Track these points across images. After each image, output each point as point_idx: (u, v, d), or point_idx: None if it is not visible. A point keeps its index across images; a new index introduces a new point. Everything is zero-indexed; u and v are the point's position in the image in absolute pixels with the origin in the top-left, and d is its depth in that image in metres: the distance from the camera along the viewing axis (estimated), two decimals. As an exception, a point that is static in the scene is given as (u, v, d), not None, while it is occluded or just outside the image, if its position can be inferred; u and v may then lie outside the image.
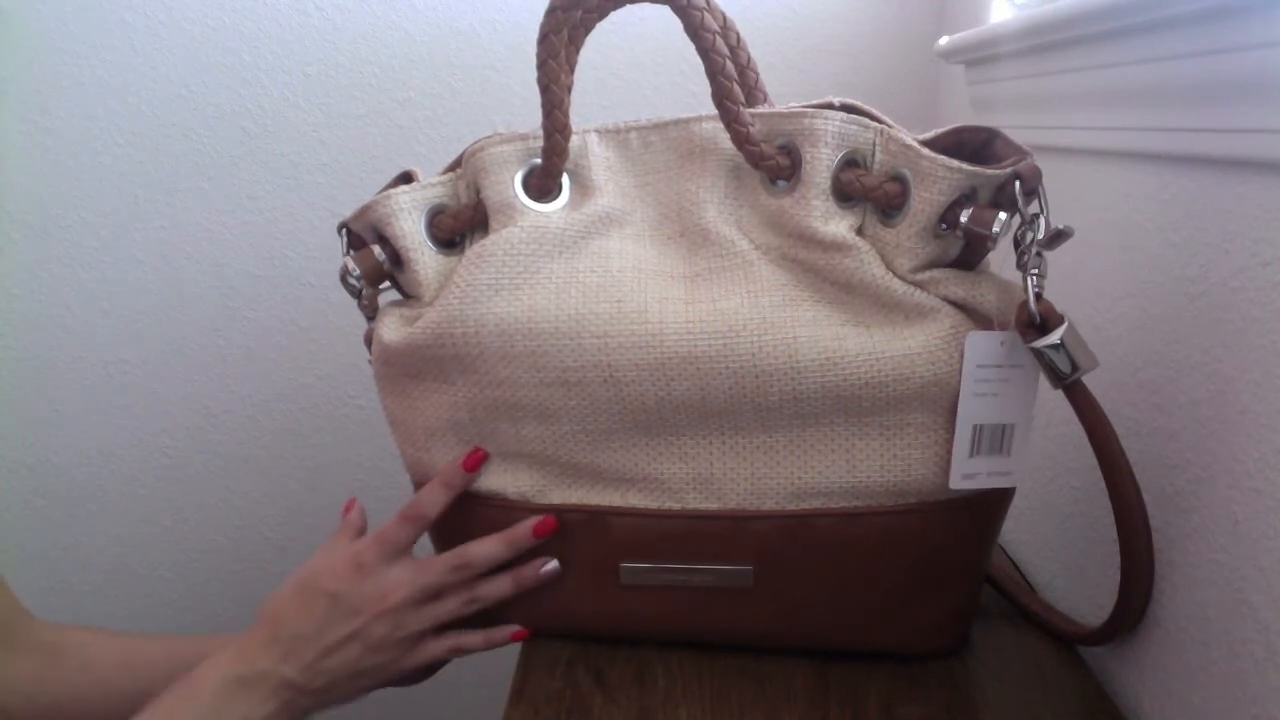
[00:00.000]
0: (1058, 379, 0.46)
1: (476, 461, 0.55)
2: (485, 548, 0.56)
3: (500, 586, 0.57)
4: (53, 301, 1.00)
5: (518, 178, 0.52)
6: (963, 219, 0.46)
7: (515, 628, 0.59)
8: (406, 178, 0.54)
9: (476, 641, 0.58)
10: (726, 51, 0.48)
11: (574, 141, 0.52)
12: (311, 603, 0.54)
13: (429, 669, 0.62)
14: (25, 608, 0.60)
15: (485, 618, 0.59)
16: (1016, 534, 0.71)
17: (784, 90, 0.88)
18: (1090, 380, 0.47)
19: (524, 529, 0.55)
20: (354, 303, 0.55)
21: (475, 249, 0.51)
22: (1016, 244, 0.46)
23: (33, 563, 1.07)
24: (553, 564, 0.56)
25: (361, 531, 0.59)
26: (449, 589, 0.56)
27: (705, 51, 0.48)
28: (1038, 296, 0.45)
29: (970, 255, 0.50)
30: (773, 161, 0.49)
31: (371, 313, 0.55)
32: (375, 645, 0.55)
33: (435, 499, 0.55)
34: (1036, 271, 0.45)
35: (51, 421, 1.04)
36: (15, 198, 0.97)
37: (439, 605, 0.56)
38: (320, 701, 0.54)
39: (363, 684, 0.56)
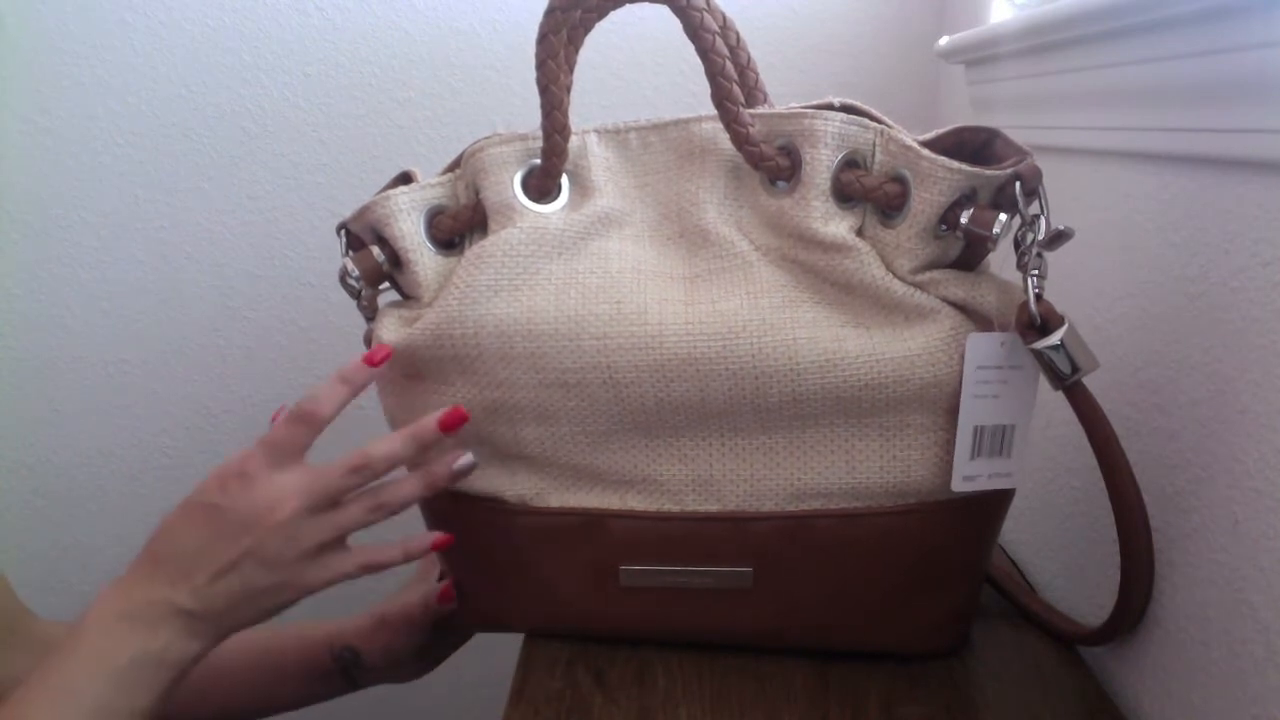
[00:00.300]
0: (1058, 380, 0.46)
1: (452, 421, 0.51)
2: (386, 445, 0.51)
3: (409, 488, 0.52)
4: (53, 301, 1.00)
5: (517, 178, 0.52)
6: (963, 220, 0.46)
7: (436, 535, 0.55)
8: (406, 178, 0.54)
9: (392, 555, 0.53)
10: (726, 52, 0.48)
11: (573, 142, 0.52)
12: (194, 519, 0.49)
13: (428, 662, 0.62)
14: (25, 604, 0.60)
15: (476, 617, 0.58)
16: (1016, 534, 0.71)
17: (784, 90, 0.88)
18: (1090, 380, 0.47)
19: (428, 421, 0.51)
20: (354, 303, 0.55)
21: (474, 250, 0.51)
22: (1017, 245, 0.46)
23: (33, 563, 1.07)
24: (466, 458, 0.52)
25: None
26: (348, 495, 0.51)
27: (705, 52, 0.48)
28: (1038, 297, 0.45)
29: (970, 256, 0.49)
30: (772, 162, 0.49)
31: (371, 313, 0.55)
32: (271, 562, 0.49)
33: (331, 396, 0.50)
34: (1037, 272, 0.45)
35: (51, 421, 1.04)
36: (15, 198, 0.97)
37: (339, 513, 0.50)
38: (222, 625, 0.49)
39: (266, 605, 0.50)
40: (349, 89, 0.95)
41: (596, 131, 0.53)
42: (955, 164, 0.45)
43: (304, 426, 0.50)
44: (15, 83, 0.94)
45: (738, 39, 0.54)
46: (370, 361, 0.51)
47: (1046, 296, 0.46)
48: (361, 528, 0.51)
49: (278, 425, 0.50)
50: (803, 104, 0.49)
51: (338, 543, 0.51)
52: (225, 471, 0.50)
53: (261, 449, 0.50)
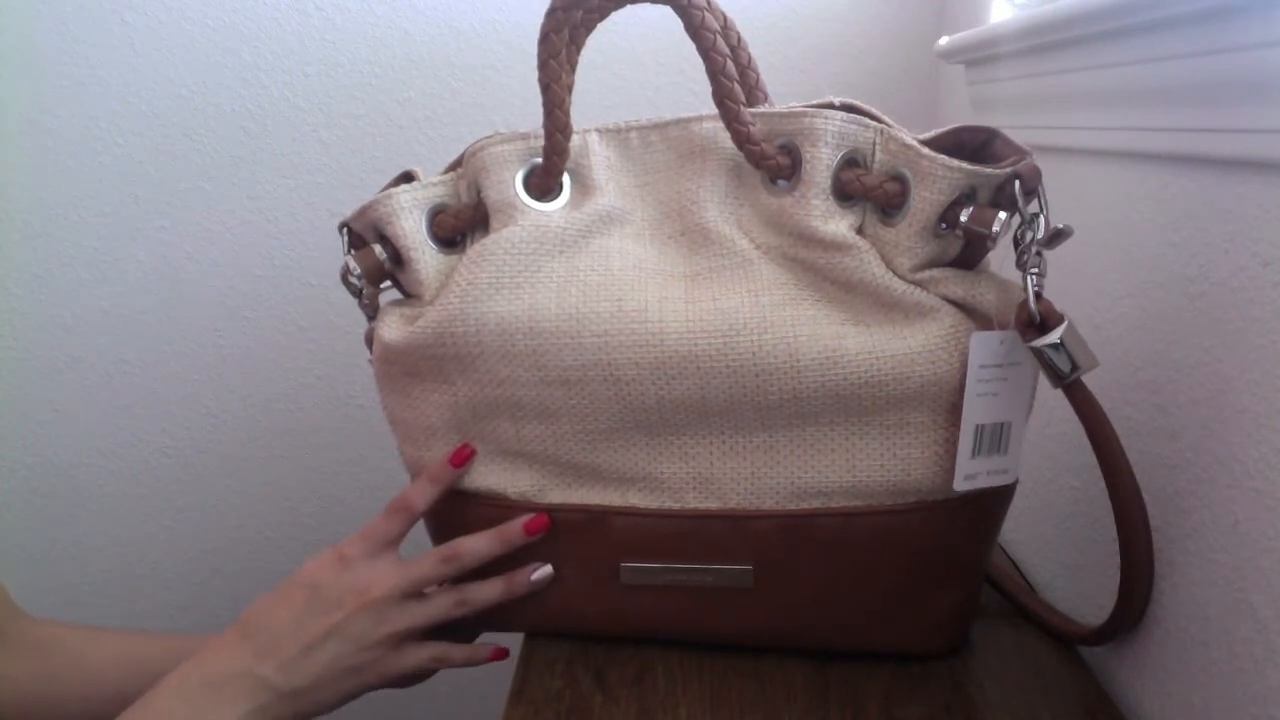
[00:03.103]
0: (1057, 378, 0.46)
1: (464, 457, 0.54)
2: (475, 543, 0.54)
3: (491, 591, 0.55)
4: (53, 301, 1.00)
5: (518, 177, 0.52)
6: (962, 218, 0.46)
7: (494, 646, 0.58)
8: (407, 177, 0.54)
9: (458, 656, 0.57)
10: (727, 51, 0.49)
11: (575, 141, 0.52)
12: (290, 595, 0.52)
13: (420, 674, 0.62)
14: (19, 606, 0.60)
15: (482, 618, 0.58)
16: (1016, 534, 0.71)
17: (784, 90, 0.88)
18: (1090, 380, 0.47)
19: (515, 525, 0.54)
20: (354, 302, 0.55)
21: (476, 248, 0.51)
22: (1016, 243, 0.46)
23: (33, 563, 1.07)
24: (545, 569, 0.55)
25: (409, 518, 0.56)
26: (437, 584, 0.55)
27: (705, 51, 0.48)
28: (1037, 296, 0.45)
29: (970, 254, 0.50)
30: (773, 161, 0.49)
31: (372, 312, 0.55)
32: (356, 641, 0.52)
33: (422, 494, 0.54)
34: (1036, 271, 0.45)
35: (51, 421, 1.04)
36: (15, 198, 0.97)
37: (426, 604, 0.54)
38: (299, 706, 0.51)
39: (344, 687, 0.53)
40: (349, 89, 0.96)
41: (598, 130, 0.53)
42: (955, 163, 0.46)
43: (399, 517, 0.54)
44: (15, 83, 0.94)
45: (738, 38, 0.54)
46: (453, 462, 0.54)
47: (1046, 295, 0.46)
48: (444, 622, 0.55)
49: (375, 518, 0.54)
50: (803, 103, 0.50)
51: (417, 634, 0.55)
52: (323, 557, 0.53)
53: (359, 539, 0.53)
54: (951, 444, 0.50)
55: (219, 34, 0.94)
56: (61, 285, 1.00)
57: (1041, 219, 0.45)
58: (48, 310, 1.00)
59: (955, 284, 0.48)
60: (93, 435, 1.05)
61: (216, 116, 0.96)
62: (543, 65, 0.48)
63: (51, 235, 0.98)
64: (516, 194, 0.51)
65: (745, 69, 0.55)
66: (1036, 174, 0.46)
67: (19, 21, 0.93)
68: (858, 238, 0.48)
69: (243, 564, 1.10)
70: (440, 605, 0.55)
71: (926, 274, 0.48)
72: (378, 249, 0.53)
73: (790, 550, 0.52)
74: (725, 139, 0.51)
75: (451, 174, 0.54)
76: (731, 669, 0.55)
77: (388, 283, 0.55)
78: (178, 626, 1.10)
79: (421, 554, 0.55)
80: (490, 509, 0.55)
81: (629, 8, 0.50)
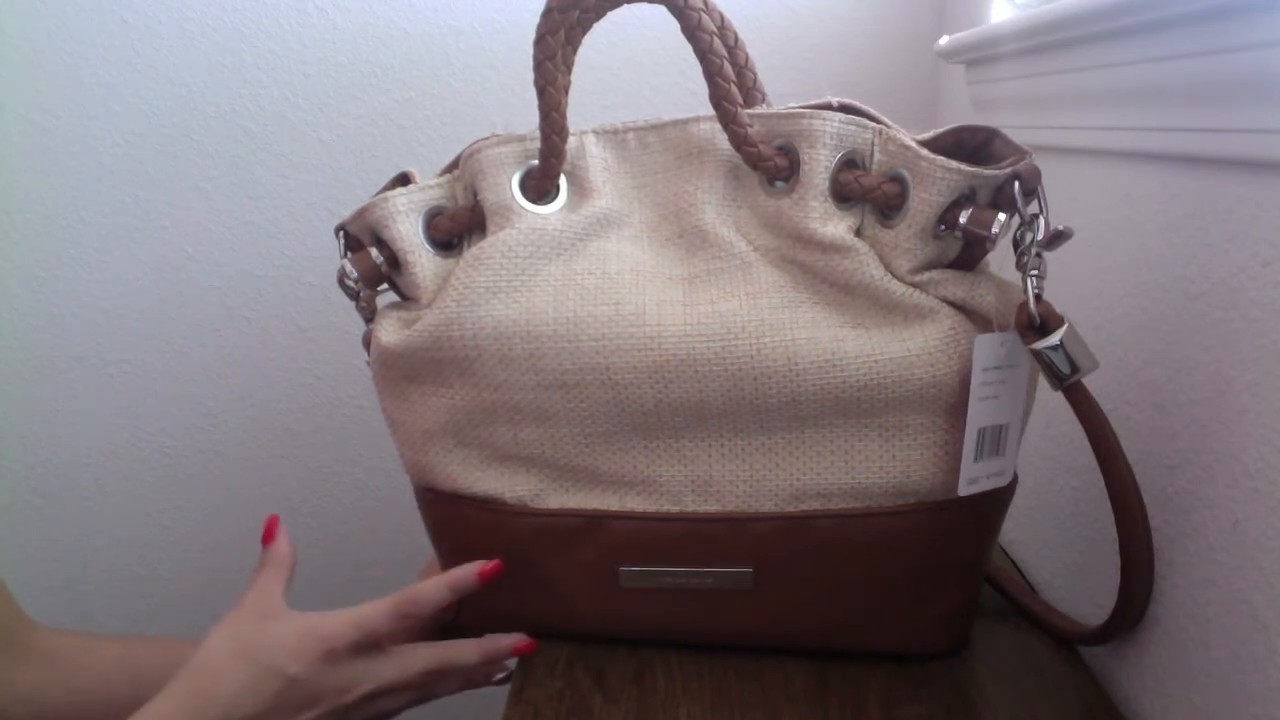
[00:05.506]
0: (1057, 380, 0.46)
1: (492, 573, 0.54)
2: (463, 654, 0.55)
3: (450, 688, 0.57)
4: (53, 301, 1.00)
5: (515, 179, 0.51)
6: (962, 220, 0.46)
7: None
8: (404, 179, 0.54)
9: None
10: (724, 52, 0.48)
11: (571, 143, 0.52)
12: (263, 682, 0.48)
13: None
14: (25, 612, 0.60)
15: (483, 622, 0.58)
16: (1016, 534, 0.71)
17: (784, 90, 0.88)
18: (1090, 380, 0.47)
19: (506, 644, 0.56)
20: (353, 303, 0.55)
21: (473, 251, 0.51)
22: (1016, 245, 0.46)
23: (33, 563, 1.08)
24: (502, 674, 0.58)
25: (293, 567, 0.54)
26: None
27: (702, 52, 0.48)
28: (1037, 298, 0.45)
29: (969, 256, 0.49)
30: (771, 162, 0.49)
31: (369, 315, 0.55)
32: None
33: (436, 598, 0.53)
34: (1036, 272, 0.45)
35: (51, 421, 1.04)
36: (15, 198, 0.97)
37: (390, 699, 0.53)
38: None
39: None
40: (349, 89, 0.96)
41: (594, 132, 0.53)
42: (954, 164, 0.45)
43: (402, 623, 0.52)
44: (15, 83, 0.94)
45: (736, 39, 0.54)
46: (481, 575, 0.54)
47: (1046, 296, 0.46)
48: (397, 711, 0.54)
49: (377, 610, 0.51)
50: (801, 104, 0.49)
51: None
52: (309, 642, 0.50)
53: (354, 631, 0.51)
54: (950, 446, 0.50)
55: (219, 34, 0.94)
56: (61, 285, 1.00)
57: (1041, 220, 0.45)
58: (48, 310, 1.01)
59: (954, 285, 0.48)
60: (93, 435, 1.05)
61: (216, 116, 0.96)
62: (538, 67, 0.48)
63: (51, 235, 0.98)
64: (513, 196, 0.51)
65: (743, 69, 0.54)
66: (1036, 174, 0.45)
67: (19, 21, 0.93)
68: (856, 239, 0.48)
69: (243, 564, 1.10)
70: (399, 702, 0.54)
71: (925, 276, 0.48)
72: (374, 252, 0.53)
73: (790, 552, 0.52)
74: (723, 140, 0.50)
75: (448, 176, 0.53)
76: (731, 669, 0.55)
77: (385, 286, 0.55)
78: (178, 627, 1.10)
79: (412, 656, 0.53)
80: (488, 514, 0.55)
81: (625, 8, 0.50)
